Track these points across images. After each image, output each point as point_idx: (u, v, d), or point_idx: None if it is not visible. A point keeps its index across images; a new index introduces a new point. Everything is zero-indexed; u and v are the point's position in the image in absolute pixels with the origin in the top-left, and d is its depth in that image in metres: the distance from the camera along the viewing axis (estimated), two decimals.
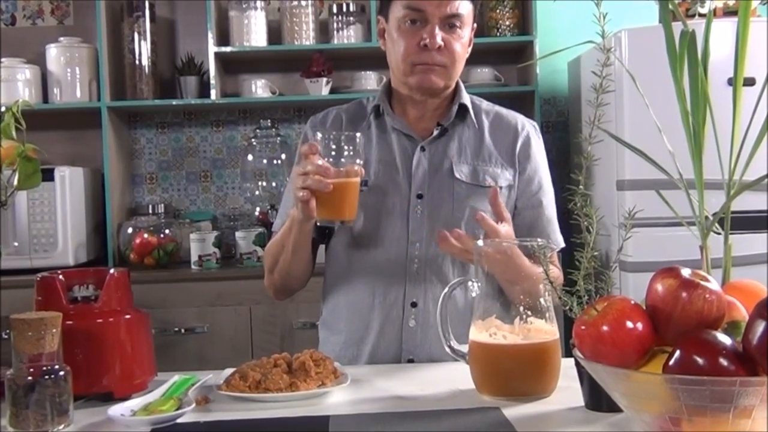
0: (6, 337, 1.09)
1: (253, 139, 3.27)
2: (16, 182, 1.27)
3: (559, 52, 1.50)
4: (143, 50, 3.20)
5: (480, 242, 1.28)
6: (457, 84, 1.68)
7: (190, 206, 3.44)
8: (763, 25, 2.46)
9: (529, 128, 1.71)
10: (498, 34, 3.20)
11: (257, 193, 3.26)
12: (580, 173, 1.06)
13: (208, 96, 3.17)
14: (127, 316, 1.25)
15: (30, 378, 1.05)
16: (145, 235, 3.03)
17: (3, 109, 1.32)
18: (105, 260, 3.13)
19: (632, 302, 0.93)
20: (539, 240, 1.25)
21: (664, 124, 1.08)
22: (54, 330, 1.07)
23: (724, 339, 0.85)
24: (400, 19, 1.59)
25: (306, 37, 3.17)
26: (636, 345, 0.90)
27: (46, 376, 1.06)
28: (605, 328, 0.90)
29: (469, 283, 1.28)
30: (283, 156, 3.23)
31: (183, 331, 2.83)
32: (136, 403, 1.16)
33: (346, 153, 1.41)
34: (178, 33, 3.42)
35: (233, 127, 3.44)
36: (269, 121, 3.30)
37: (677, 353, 0.85)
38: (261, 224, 3.15)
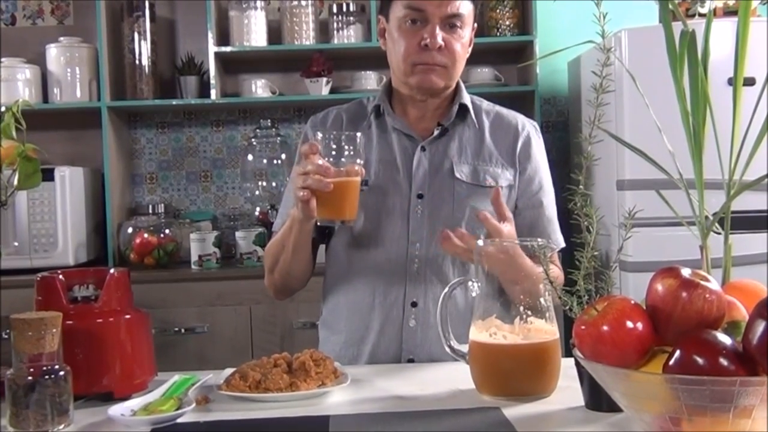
0: (6, 337, 1.08)
1: (253, 139, 3.27)
2: (16, 182, 1.27)
3: (559, 52, 1.49)
4: (143, 50, 3.20)
5: (480, 242, 1.28)
6: (458, 84, 1.68)
7: (190, 206, 3.44)
8: (763, 25, 2.46)
9: (529, 128, 1.72)
10: (498, 34, 3.20)
11: (257, 193, 3.26)
12: (580, 173, 1.06)
13: (208, 96, 3.17)
14: (127, 316, 1.25)
15: (30, 378, 1.05)
16: (145, 235, 3.03)
17: (3, 109, 1.32)
18: (105, 260, 3.13)
19: (632, 302, 0.93)
20: (539, 240, 1.25)
21: (664, 124, 1.08)
22: (54, 330, 1.07)
23: (724, 339, 0.85)
24: (401, 18, 1.59)
25: (306, 37, 3.17)
26: (636, 345, 0.90)
27: (46, 376, 1.06)
28: (605, 328, 0.90)
29: (470, 283, 1.28)
30: (283, 156, 3.23)
31: (183, 331, 2.83)
32: (136, 403, 1.16)
33: (346, 153, 1.41)
34: (178, 33, 3.42)
35: (233, 127, 3.44)
36: (269, 121, 3.30)
37: (677, 353, 0.85)
38: (261, 224, 3.15)
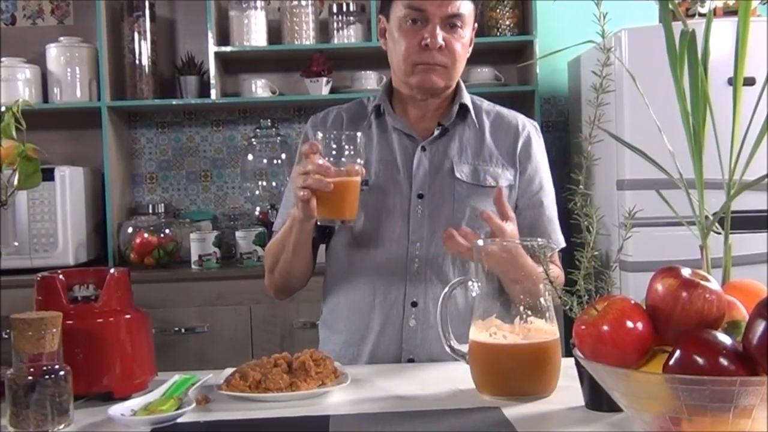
0: (6, 336, 1.08)
1: (253, 139, 3.27)
2: (16, 182, 1.27)
3: (559, 52, 1.49)
4: (143, 50, 3.20)
5: (480, 242, 1.28)
6: (458, 84, 1.68)
7: (190, 206, 3.44)
8: (763, 25, 2.46)
9: (529, 128, 1.72)
10: (498, 33, 3.20)
11: (257, 192, 3.26)
12: (580, 173, 1.06)
13: (208, 96, 3.17)
14: (127, 316, 1.25)
15: (30, 378, 1.05)
16: (146, 235, 3.03)
17: (3, 108, 1.32)
18: (105, 260, 3.13)
19: (632, 302, 0.93)
20: (539, 240, 1.25)
21: (664, 124, 1.08)
22: (54, 330, 1.07)
23: (724, 339, 0.85)
24: (401, 18, 1.59)
25: (306, 36, 3.17)
26: (636, 345, 0.90)
27: (47, 376, 1.06)
28: (605, 327, 0.90)
29: (470, 282, 1.28)
30: (283, 156, 3.23)
31: (183, 330, 2.83)
32: (136, 402, 1.16)
33: (346, 152, 1.41)
34: (178, 33, 3.42)
35: (233, 126, 3.44)
36: (269, 120, 3.30)
37: (677, 353, 0.85)
38: (261, 224, 3.15)
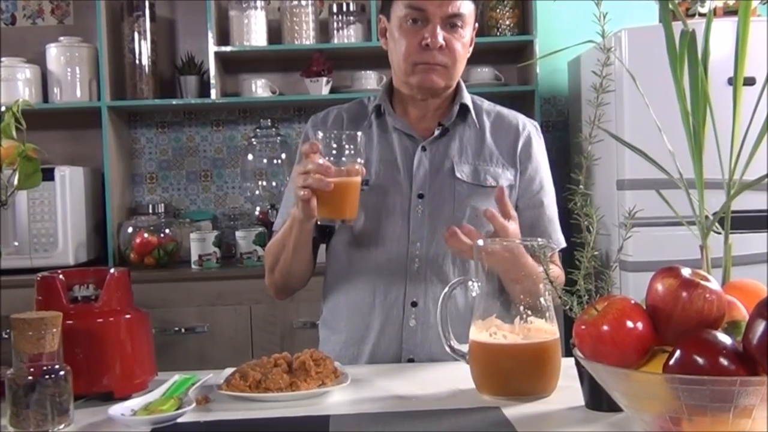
0: (6, 336, 1.08)
1: (253, 139, 3.27)
2: (16, 182, 1.27)
3: (559, 52, 1.49)
4: (143, 50, 3.20)
5: (480, 241, 1.28)
6: (459, 84, 1.68)
7: (190, 206, 3.44)
8: (763, 25, 2.46)
9: (530, 128, 1.72)
10: (498, 33, 3.20)
11: (257, 192, 3.26)
12: (580, 173, 1.06)
13: (208, 96, 3.17)
14: (127, 316, 1.25)
15: (30, 378, 1.05)
16: (146, 235, 3.03)
17: (3, 108, 1.32)
18: (105, 260, 3.13)
19: (632, 302, 0.93)
20: (540, 239, 1.25)
21: (664, 123, 1.08)
22: (54, 330, 1.07)
23: (724, 339, 0.85)
24: (402, 18, 1.59)
25: (306, 36, 3.17)
26: (636, 344, 0.90)
27: (47, 376, 1.06)
28: (605, 327, 0.90)
29: (470, 282, 1.28)
30: (283, 155, 3.23)
31: (183, 330, 2.83)
32: (136, 402, 1.16)
33: (347, 152, 1.41)
34: (178, 33, 3.42)
35: (233, 126, 3.44)
36: (269, 120, 3.30)
37: (677, 353, 0.85)
38: (261, 224, 3.15)
